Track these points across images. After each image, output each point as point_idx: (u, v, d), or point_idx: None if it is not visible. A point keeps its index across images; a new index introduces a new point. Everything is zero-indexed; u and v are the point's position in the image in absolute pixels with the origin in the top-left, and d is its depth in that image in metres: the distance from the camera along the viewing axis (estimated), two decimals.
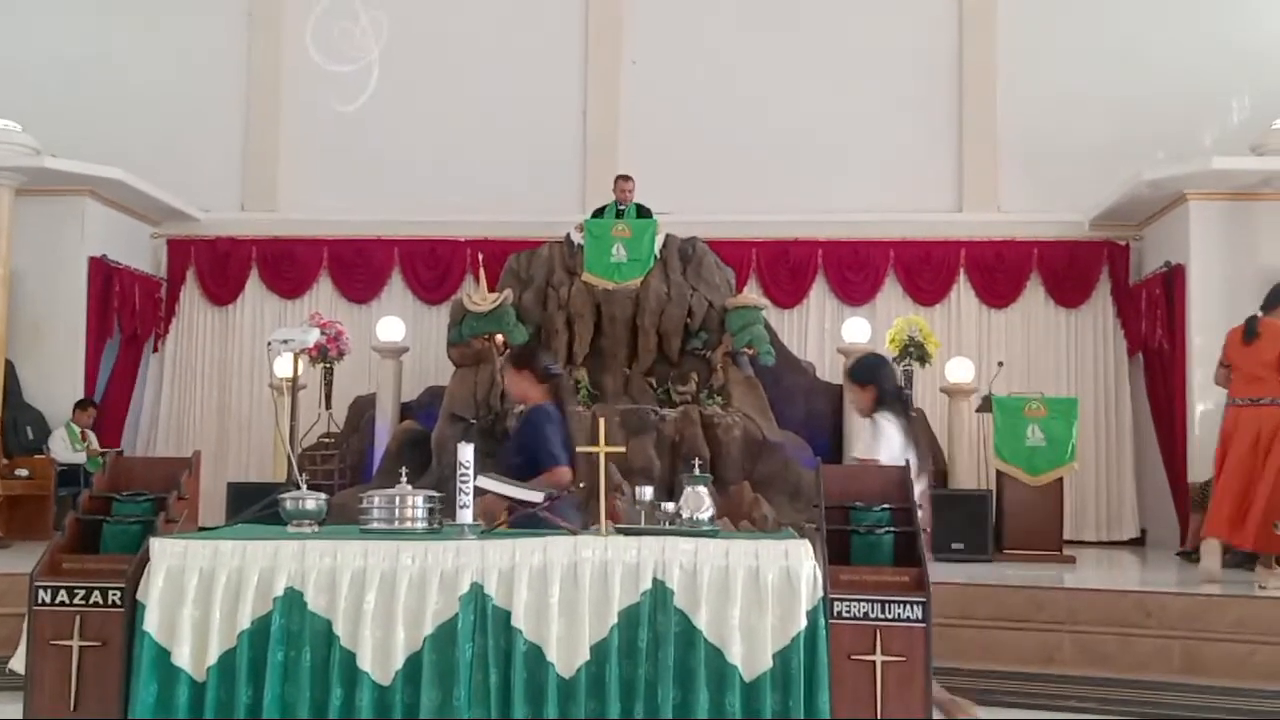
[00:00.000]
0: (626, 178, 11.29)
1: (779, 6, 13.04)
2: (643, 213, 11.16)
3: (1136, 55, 12.60)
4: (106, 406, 12.03)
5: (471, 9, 13.23)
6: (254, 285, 13.05)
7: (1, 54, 13.35)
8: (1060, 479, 9.98)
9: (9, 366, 11.33)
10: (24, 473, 10.58)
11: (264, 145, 13.31)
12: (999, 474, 10.08)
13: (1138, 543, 12.00)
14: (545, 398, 5.63)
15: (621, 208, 11.15)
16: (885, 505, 4.64)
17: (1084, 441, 11.35)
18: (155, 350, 13.04)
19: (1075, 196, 12.36)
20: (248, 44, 13.42)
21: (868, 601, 4.24)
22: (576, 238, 11.08)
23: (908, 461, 5.05)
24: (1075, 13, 12.79)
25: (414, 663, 4.15)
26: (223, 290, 13.01)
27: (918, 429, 5.57)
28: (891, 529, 4.55)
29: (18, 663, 4.34)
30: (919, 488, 4.99)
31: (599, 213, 11.30)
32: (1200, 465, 10.64)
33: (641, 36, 13.15)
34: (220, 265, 13.02)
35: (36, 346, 11.51)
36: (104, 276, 11.96)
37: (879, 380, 5.51)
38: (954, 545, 9.45)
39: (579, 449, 5.23)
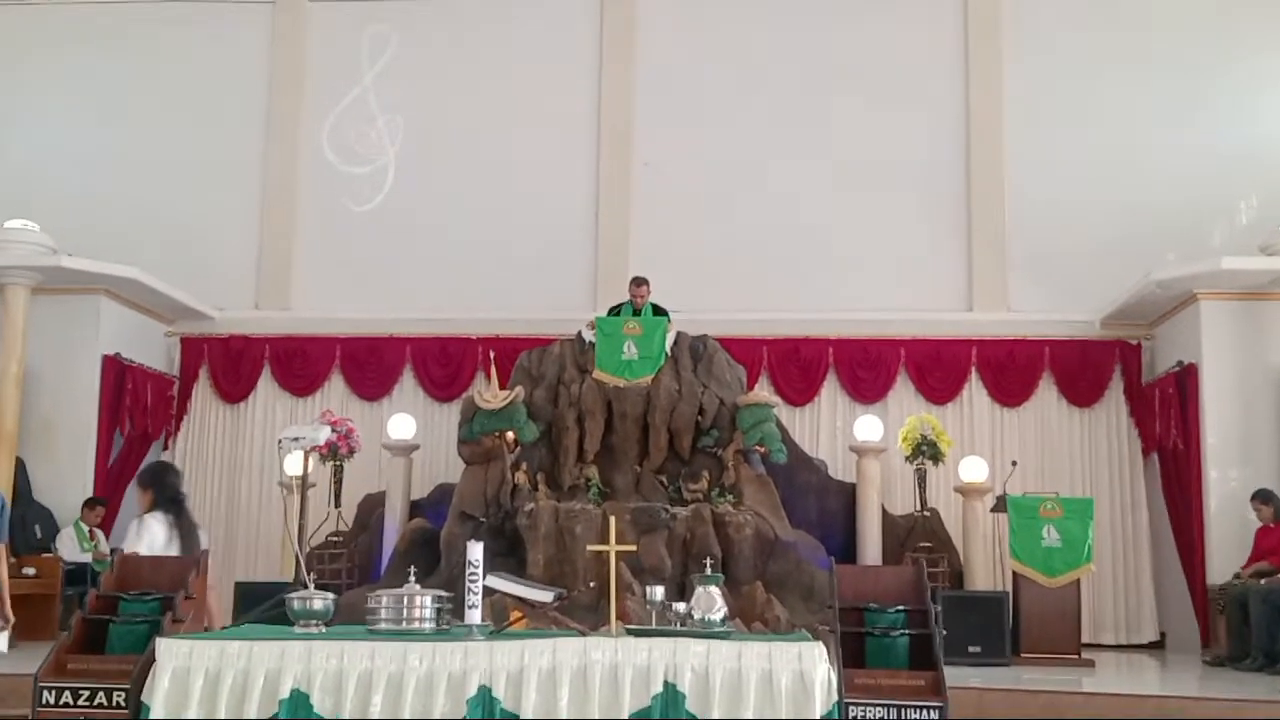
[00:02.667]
0: (641, 281, 11.27)
1: (790, 109, 13.23)
2: (659, 313, 11.19)
3: (1143, 157, 12.74)
4: (115, 504, 11.99)
5: (486, 112, 13.45)
6: (266, 383, 13.08)
7: (19, 155, 13.62)
8: (1077, 580, 9.85)
9: (19, 464, 11.33)
10: (31, 571, 10.50)
11: (279, 244, 13.46)
12: (1015, 575, 9.96)
13: (1157, 646, 11.79)
14: None
15: (637, 310, 11.17)
16: (900, 607, 4.58)
17: (1100, 542, 11.23)
18: (165, 448, 13.03)
19: (1085, 296, 12.40)
20: (264, 145, 13.64)
21: (883, 706, 4.17)
22: (588, 335, 11.11)
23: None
24: (1082, 116, 12.95)
25: None
26: (235, 388, 13.05)
27: (186, 527, 6.00)
28: (907, 631, 4.49)
29: None
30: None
31: (616, 310, 11.34)
32: (1219, 567, 10.52)
33: (653, 139, 13.34)
34: (233, 363, 13.07)
35: (47, 444, 11.53)
36: (117, 374, 12.01)
37: (157, 486, 6.01)
38: (971, 648, 9.29)
39: (589, 547, 5.21)
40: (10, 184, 13.37)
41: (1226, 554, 10.48)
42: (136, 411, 12.26)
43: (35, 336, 11.45)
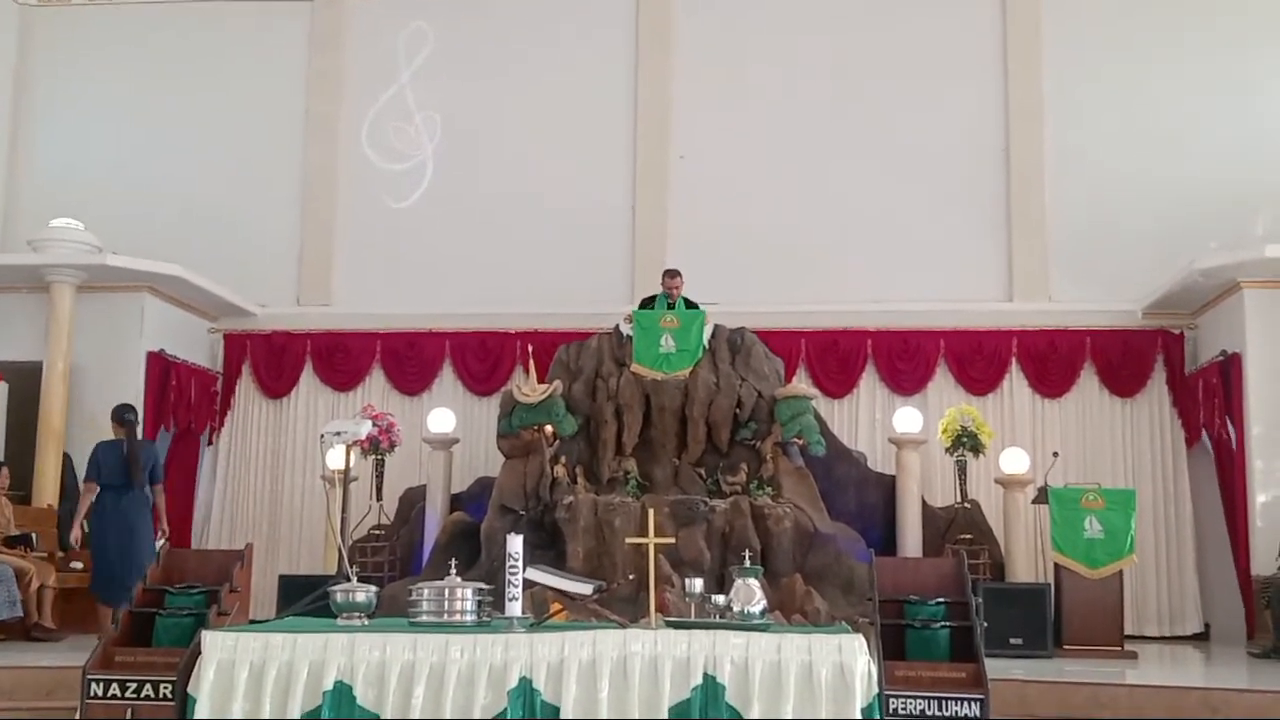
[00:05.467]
0: (674, 273, 11.33)
1: (827, 100, 13.18)
2: (691, 307, 11.20)
3: (1186, 143, 12.61)
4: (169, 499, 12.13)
5: (522, 107, 13.49)
6: (308, 378, 13.19)
7: (63, 155, 13.81)
8: (1120, 572, 9.78)
9: (66, 460, 11.50)
10: (78, 565, 10.63)
11: (319, 241, 13.56)
12: (1057, 567, 9.89)
13: (1201, 637, 11.68)
14: None
15: (671, 302, 11.19)
16: (941, 599, 4.57)
17: (1143, 533, 11.11)
18: (210, 443, 13.17)
19: (1127, 285, 12.28)
20: (304, 142, 13.74)
21: (924, 698, 4.17)
22: (625, 329, 11.12)
23: None
24: (1123, 103, 12.83)
25: None
26: (277, 383, 13.17)
27: None
28: (947, 623, 4.48)
29: None
30: None
31: (648, 302, 11.36)
32: (1265, 559, 10.41)
33: (690, 132, 13.33)
34: (275, 359, 13.19)
35: (94, 440, 11.56)
36: (162, 371, 12.15)
37: None
38: (1012, 640, 9.25)
39: (629, 540, 5.23)
40: (55, 183, 13.58)
41: (1272, 545, 10.37)
42: (181, 407, 12.40)
43: (81, 334, 11.63)
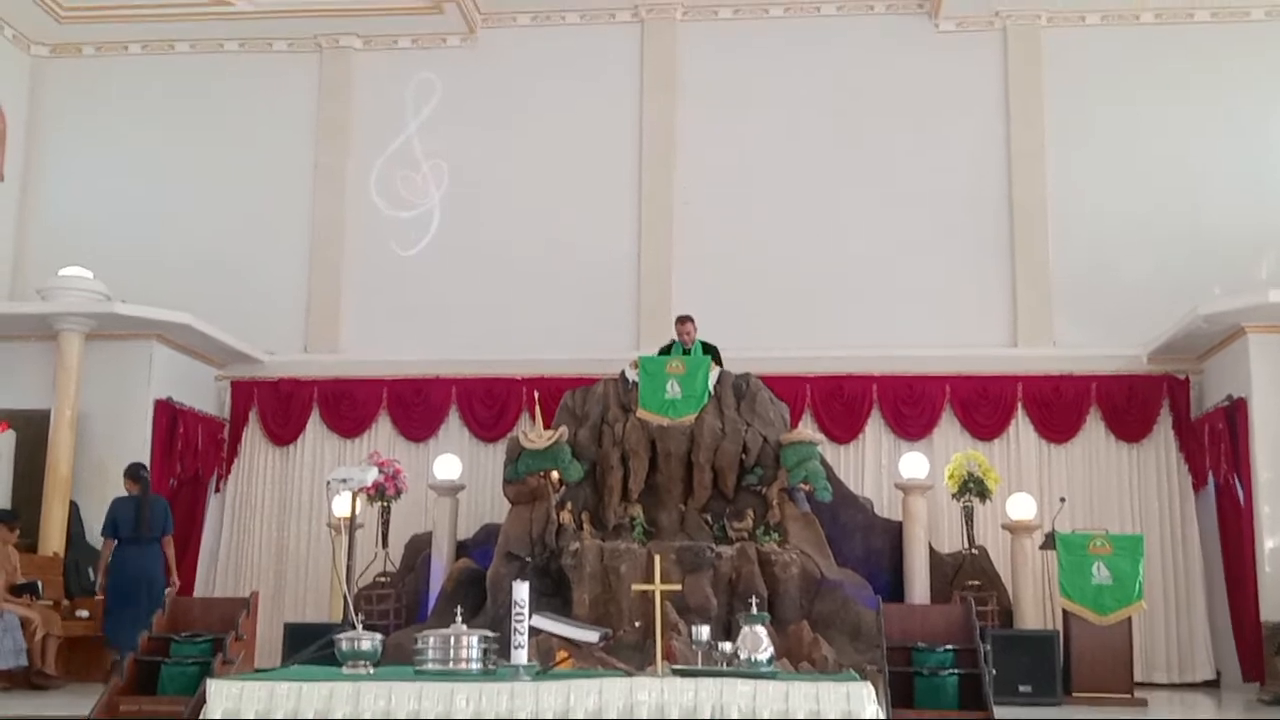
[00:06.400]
0: (686, 319, 11.36)
1: (829, 146, 13.29)
2: (708, 350, 11.23)
3: (1188, 189, 12.68)
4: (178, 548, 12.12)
5: (527, 155, 13.60)
6: (315, 425, 13.21)
7: (74, 204, 13.92)
8: (1129, 618, 9.73)
9: (73, 507, 11.51)
10: (84, 614, 10.62)
11: (327, 288, 13.63)
12: (1065, 613, 9.85)
13: (1212, 685, 11.58)
14: None
15: (687, 348, 11.22)
16: (949, 646, 4.56)
17: (1151, 579, 11.09)
18: (216, 490, 13.17)
19: (1131, 330, 12.31)
20: (312, 191, 13.84)
21: None
22: (631, 375, 11.14)
23: None
24: (1124, 148, 12.91)
25: None
26: (284, 430, 13.18)
27: None
28: (956, 670, 4.46)
29: None
30: None
31: (666, 350, 11.40)
32: (1274, 604, 10.35)
33: (693, 177, 13.43)
34: (282, 406, 13.22)
35: (101, 488, 11.66)
36: (169, 418, 12.18)
37: None
38: (1021, 688, 9.18)
39: (635, 587, 5.22)
40: (64, 232, 13.68)
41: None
42: (188, 455, 12.42)
43: (89, 381, 11.67)
